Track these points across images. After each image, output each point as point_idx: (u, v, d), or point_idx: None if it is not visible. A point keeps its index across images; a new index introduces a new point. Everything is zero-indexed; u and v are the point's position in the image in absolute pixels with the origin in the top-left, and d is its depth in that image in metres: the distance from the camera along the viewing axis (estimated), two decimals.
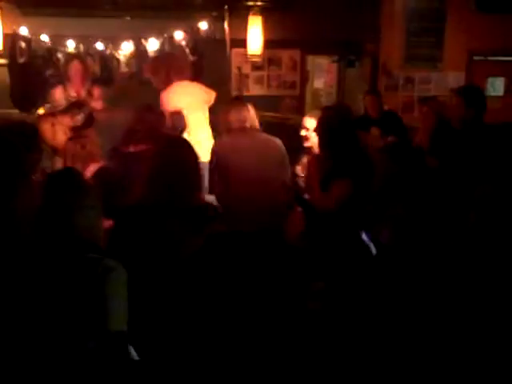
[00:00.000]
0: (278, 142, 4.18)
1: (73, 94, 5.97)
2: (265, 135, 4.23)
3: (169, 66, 5.72)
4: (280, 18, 8.00)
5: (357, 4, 7.83)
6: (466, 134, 4.51)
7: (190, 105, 5.43)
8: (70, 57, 6.31)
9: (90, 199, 2.39)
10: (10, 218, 2.78)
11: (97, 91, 6.29)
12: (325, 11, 7.92)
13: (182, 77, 5.67)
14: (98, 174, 3.91)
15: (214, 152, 4.10)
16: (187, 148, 3.14)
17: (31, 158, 3.31)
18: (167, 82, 5.55)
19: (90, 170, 3.97)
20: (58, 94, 6.08)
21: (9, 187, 2.91)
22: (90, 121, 5.99)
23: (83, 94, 6.11)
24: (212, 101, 5.63)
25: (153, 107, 4.51)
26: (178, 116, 5.21)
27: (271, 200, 3.89)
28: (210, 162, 4.11)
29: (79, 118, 5.94)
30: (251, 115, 4.18)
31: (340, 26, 7.81)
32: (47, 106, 6.03)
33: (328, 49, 8.33)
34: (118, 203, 3.07)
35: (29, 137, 3.40)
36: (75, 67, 6.02)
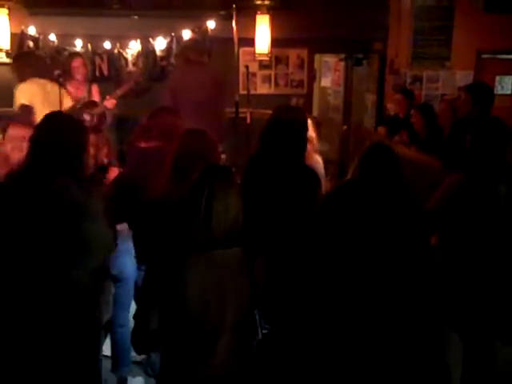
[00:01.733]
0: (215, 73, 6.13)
1: (73, 93, 5.98)
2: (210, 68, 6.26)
3: (28, 63, 5.82)
4: (287, 17, 7.99)
5: (365, 2, 7.81)
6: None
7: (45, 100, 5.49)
8: (71, 55, 6.34)
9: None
10: None
11: (94, 88, 6.32)
12: (332, 9, 7.91)
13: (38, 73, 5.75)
14: (116, 180, 3.98)
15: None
16: (208, 140, 3.19)
17: None
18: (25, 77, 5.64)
19: (110, 175, 4.02)
20: None
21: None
22: (102, 121, 6.04)
23: (84, 91, 6.13)
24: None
25: (170, 108, 4.52)
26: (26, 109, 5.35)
27: (210, 115, 5.45)
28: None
29: (92, 118, 6.00)
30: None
31: (347, 24, 7.79)
32: None
33: (335, 47, 8.31)
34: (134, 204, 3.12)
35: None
36: (77, 64, 6.04)
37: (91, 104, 6.02)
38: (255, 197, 3.31)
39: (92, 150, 3.73)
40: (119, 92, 6.22)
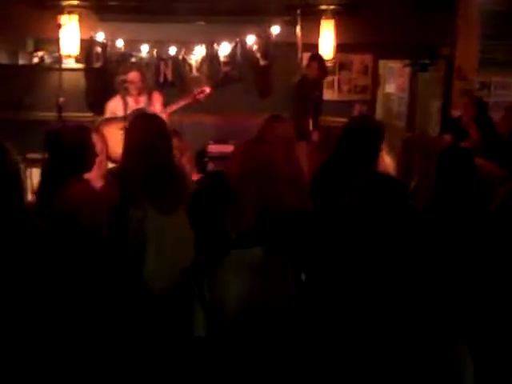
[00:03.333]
0: None
1: (131, 103, 6.05)
2: None
3: None
4: (352, 22, 7.93)
5: (431, 7, 7.67)
6: None
7: None
8: (127, 67, 6.40)
9: None
10: None
11: (156, 96, 6.38)
12: (398, 15, 7.80)
13: None
14: None
15: None
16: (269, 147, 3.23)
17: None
18: None
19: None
20: (113, 105, 6.19)
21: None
22: None
23: (142, 102, 6.20)
24: None
25: (282, 116, 4.58)
26: None
27: None
28: None
29: None
30: None
31: (413, 29, 7.66)
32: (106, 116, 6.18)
33: (401, 53, 8.18)
34: None
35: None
36: (132, 79, 6.11)
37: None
38: (323, 201, 3.38)
39: (177, 153, 3.80)
40: (174, 107, 6.25)
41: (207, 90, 6.31)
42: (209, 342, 2.44)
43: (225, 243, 2.49)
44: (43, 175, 3.35)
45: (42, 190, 3.25)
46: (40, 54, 7.70)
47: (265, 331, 2.43)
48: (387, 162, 4.62)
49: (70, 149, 3.29)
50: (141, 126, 3.45)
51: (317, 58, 7.02)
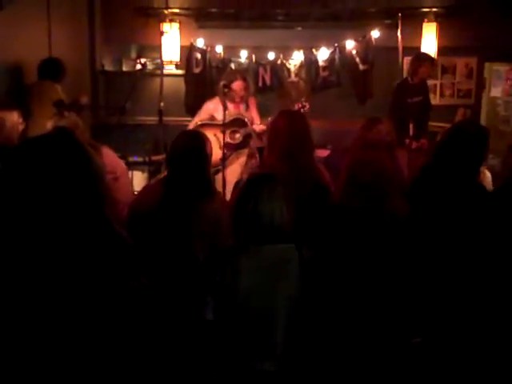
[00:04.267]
0: None
1: (231, 109, 6.01)
2: None
3: None
4: (455, 24, 7.69)
5: None
6: None
7: None
8: (233, 74, 6.37)
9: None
10: None
11: (251, 100, 6.35)
12: (504, 15, 7.48)
13: None
14: None
15: None
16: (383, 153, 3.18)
17: None
18: None
19: None
20: (212, 106, 6.20)
21: None
22: (246, 142, 6.09)
23: (241, 108, 6.19)
24: None
25: (381, 119, 4.52)
26: None
27: None
28: None
29: (237, 136, 6.07)
30: None
31: None
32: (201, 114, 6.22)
33: (508, 55, 7.85)
34: None
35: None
36: (237, 88, 6.09)
37: (239, 122, 6.06)
38: (420, 207, 3.32)
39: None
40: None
41: (307, 105, 6.19)
42: (217, 325, 2.49)
43: (257, 236, 2.50)
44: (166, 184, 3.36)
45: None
46: (142, 60, 7.92)
47: (270, 331, 2.43)
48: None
49: (193, 155, 3.29)
50: (287, 126, 3.50)
51: (429, 57, 6.77)
